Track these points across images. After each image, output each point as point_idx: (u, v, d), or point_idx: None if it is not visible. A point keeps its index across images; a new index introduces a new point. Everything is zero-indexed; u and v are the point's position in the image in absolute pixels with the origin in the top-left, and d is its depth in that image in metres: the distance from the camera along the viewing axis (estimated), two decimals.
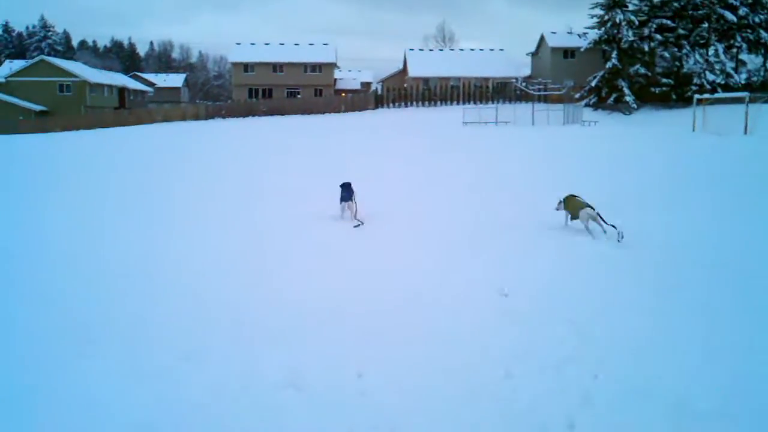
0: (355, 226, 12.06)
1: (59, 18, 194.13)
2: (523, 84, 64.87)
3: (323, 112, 61.56)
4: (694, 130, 36.16)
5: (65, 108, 71.11)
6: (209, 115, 63.48)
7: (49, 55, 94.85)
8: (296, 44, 79.42)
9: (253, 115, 61.86)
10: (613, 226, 10.59)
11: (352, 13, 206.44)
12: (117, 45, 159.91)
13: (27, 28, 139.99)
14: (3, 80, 74.46)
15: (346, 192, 12.84)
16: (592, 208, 11.01)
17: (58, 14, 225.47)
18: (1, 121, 64.39)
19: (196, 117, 63.51)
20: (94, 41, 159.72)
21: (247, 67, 76.00)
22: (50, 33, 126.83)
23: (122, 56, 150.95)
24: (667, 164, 20.44)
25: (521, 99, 60.86)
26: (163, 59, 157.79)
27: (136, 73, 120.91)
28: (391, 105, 63.29)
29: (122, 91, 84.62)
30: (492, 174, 19.38)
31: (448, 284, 8.03)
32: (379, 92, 68.32)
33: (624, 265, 8.89)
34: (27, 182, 20.70)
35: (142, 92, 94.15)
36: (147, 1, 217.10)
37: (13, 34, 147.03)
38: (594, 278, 8.27)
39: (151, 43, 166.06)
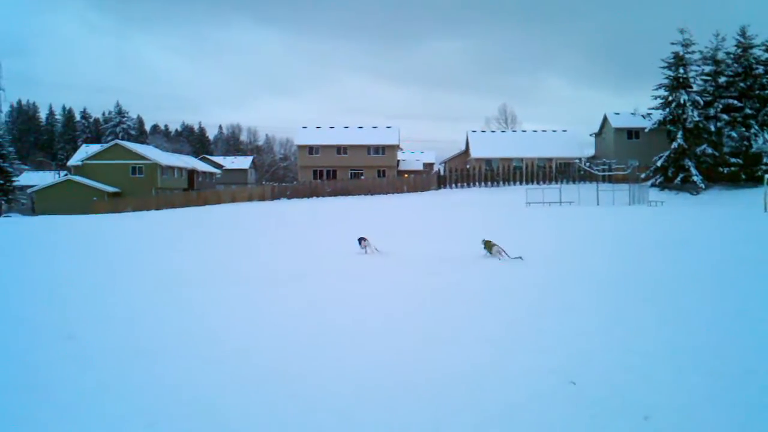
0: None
1: (133, 104, 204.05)
2: (587, 164, 64.52)
3: (386, 193, 62.18)
4: (766, 210, 35.18)
5: (138, 189, 73.57)
6: (275, 196, 64.71)
7: (123, 139, 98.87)
8: (360, 127, 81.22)
9: (318, 196, 62.85)
10: (520, 257, 16.39)
11: (415, 97, 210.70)
12: (187, 129, 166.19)
13: (103, 114, 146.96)
14: (80, 163, 77.73)
15: (361, 240, 19.92)
16: (497, 245, 17.23)
17: (133, 101, 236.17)
18: (77, 202, 67.09)
19: (263, 198, 64.80)
20: (165, 125, 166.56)
21: (312, 149, 77.78)
22: (125, 118, 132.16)
23: (192, 139, 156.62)
24: (738, 244, 19.78)
25: (585, 179, 60.40)
26: (232, 142, 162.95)
27: (206, 155, 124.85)
28: (453, 185, 63.56)
29: (191, 173, 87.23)
30: (554, 249, 19.00)
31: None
32: (442, 173, 68.83)
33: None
34: (100, 260, 21.18)
35: (211, 174, 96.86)
36: (216, 87, 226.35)
37: (91, 120, 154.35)
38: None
39: (220, 126, 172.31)
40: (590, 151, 76.88)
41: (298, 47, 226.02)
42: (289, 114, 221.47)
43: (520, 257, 16.53)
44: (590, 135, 78.43)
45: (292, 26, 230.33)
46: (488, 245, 17.80)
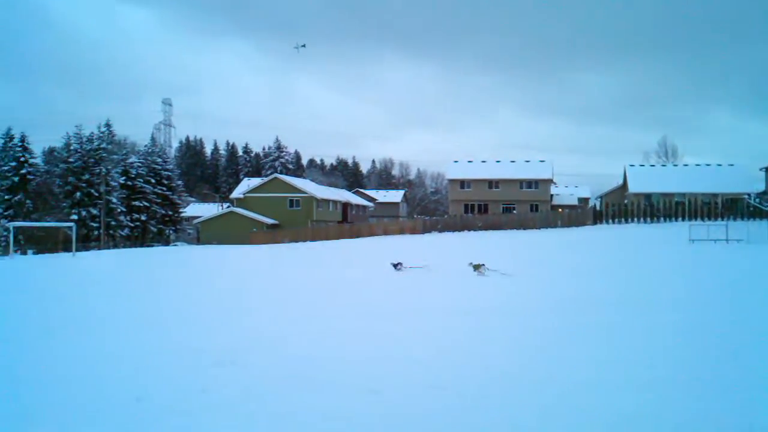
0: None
1: (291, 139, 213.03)
2: (757, 200, 60.35)
3: (539, 228, 60.80)
4: None
5: (294, 221, 76.13)
6: (426, 230, 64.93)
7: (281, 173, 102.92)
8: (512, 161, 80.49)
9: (469, 230, 62.40)
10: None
11: (567, 130, 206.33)
12: (342, 163, 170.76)
13: (263, 148, 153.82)
14: (241, 196, 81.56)
15: (397, 263, 26.79)
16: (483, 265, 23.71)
17: (290, 136, 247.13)
18: (238, 233, 70.33)
19: (414, 231, 65.19)
20: (321, 160, 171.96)
21: (463, 183, 77.75)
22: (283, 153, 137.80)
23: (346, 173, 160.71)
24: None
25: (755, 216, 56.50)
26: (384, 176, 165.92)
27: (359, 189, 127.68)
28: (610, 221, 61.27)
29: (345, 206, 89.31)
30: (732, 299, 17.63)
31: None
32: (598, 208, 66.60)
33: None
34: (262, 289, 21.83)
35: (364, 207, 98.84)
36: (370, 122, 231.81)
37: (252, 155, 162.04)
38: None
39: (373, 161, 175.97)
40: (760, 186, 71.94)
41: (449, 81, 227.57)
42: (439, 147, 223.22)
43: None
44: (760, 169, 73.44)
45: (443, 61, 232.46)
46: (476, 266, 24.06)
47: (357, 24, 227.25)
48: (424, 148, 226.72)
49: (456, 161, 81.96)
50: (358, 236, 65.78)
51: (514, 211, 72.61)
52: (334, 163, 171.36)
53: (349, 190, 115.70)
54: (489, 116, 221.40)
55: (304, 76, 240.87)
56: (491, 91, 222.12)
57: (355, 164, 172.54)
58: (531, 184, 76.38)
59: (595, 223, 61.47)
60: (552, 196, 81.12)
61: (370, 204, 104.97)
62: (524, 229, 60.91)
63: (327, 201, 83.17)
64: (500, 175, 77.17)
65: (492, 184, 77.04)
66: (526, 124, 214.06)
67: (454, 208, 78.06)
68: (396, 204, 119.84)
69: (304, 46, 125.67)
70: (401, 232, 65.97)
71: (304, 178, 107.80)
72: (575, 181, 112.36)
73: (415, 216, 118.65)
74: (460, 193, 77.89)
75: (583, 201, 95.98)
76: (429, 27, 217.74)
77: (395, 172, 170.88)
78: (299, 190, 79.62)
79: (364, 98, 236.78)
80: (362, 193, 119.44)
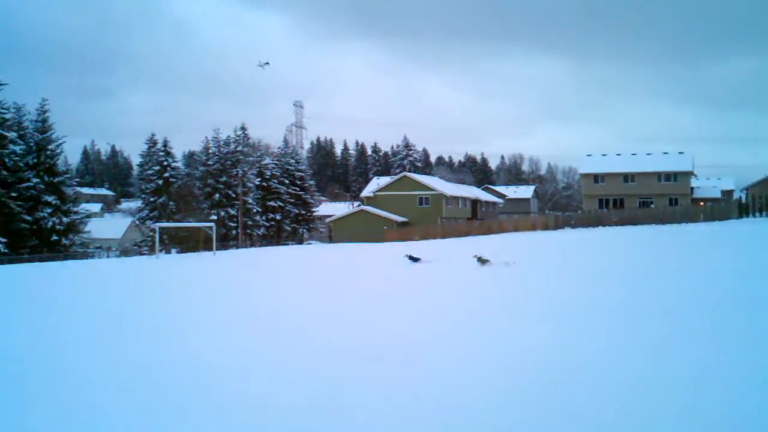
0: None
1: (419, 137, 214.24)
2: None
3: (678, 222, 58.04)
4: None
5: (424, 219, 76.30)
6: (558, 226, 63.45)
7: (409, 171, 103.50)
8: (648, 154, 77.58)
9: (603, 225, 60.43)
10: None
11: (707, 120, 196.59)
12: (470, 160, 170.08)
13: (391, 147, 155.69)
14: (371, 194, 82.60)
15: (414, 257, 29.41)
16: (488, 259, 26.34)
17: (418, 134, 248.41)
18: (369, 231, 71.26)
19: (546, 227, 63.86)
20: (449, 157, 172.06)
21: (597, 177, 75.46)
22: (411, 151, 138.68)
23: (475, 170, 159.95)
24: None
25: None
26: (513, 171, 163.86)
27: (488, 185, 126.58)
28: (757, 214, 57.68)
29: (475, 202, 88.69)
30: None
31: None
32: (743, 200, 62.84)
33: None
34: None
35: (493, 203, 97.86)
36: (498, 117, 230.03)
37: (380, 154, 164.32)
38: None
39: (502, 156, 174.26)
40: None
41: (579, 73, 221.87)
42: (570, 142, 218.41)
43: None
44: None
45: (574, 53, 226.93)
46: (482, 259, 26.35)
47: (485, 19, 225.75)
48: (555, 142, 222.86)
49: (589, 155, 79.86)
50: (488, 233, 65.08)
51: (652, 206, 69.69)
52: (462, 160, 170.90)
53: (478, 187, 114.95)
54: (623, 108, 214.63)
55: (431, 74, 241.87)
56: (625, 81, 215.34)
57: (484, 160, 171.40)
58: (669, 177, 73.03)
59: (740, 216, 58.01)
60: (692, 189, 77.37)
61: (500, 200, 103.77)
62: (663, 223, 58.33)
63: (456, 198, 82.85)
64: (636, 168, 74.27)
65: (627, 177, 74.26)
66: (663, 114, 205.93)
67: (587, 203, 75.91)
68: (526, 200, 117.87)
69: (267, 63, 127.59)
70: (533, 228, 64.76)
71: (433, 175, 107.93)
72: (718, 173, 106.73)
73: (546, 212, 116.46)
74: (594, 188, 75.62)
75: (727, 193, 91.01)
76: (560, 19, 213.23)
77: (525, 167, 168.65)
78: (428, 188, 79.70)
79: (492, 94, 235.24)
80: (491, 189, 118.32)
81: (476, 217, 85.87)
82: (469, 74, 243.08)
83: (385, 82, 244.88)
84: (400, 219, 76.70)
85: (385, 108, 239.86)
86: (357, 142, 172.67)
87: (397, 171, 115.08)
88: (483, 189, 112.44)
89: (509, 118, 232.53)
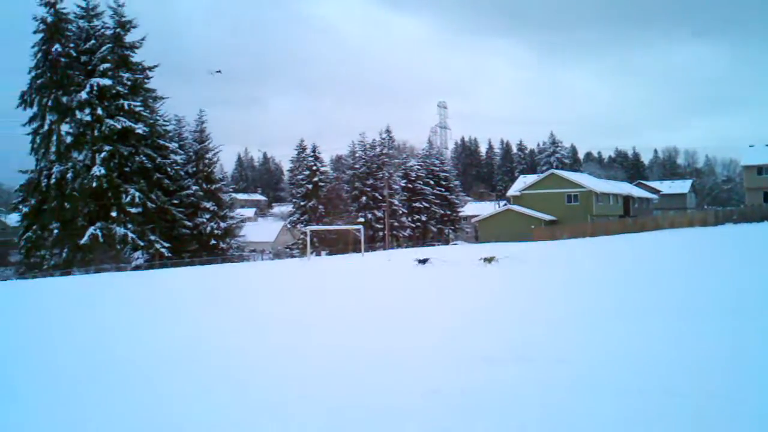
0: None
1: (566, 133, 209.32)
2: None
3: None
4: None
5: (573, 217, 74.22)
6: (719, 221, 60.10)
7: (557, 168, 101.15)
8: None
9: None
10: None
11: None
12: (621, 155, 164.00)
13: (538, 145, 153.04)
14: (518, 193, 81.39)
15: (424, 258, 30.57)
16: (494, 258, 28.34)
17: (565, 130, 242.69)
18: (516, 231, 70.12)
19: (704, 223, 60.67)
20: (599, 152, 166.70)
21: (761, 169, 70.72)
22: (558, 148, 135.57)
23: (626, 165, 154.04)
24: None
25: None
26: (668, 166, 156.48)
27: (641, 181, 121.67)
28: None
29: (627, 199, 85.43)
30: None
31: None
32: None
33: None
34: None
35: (647, 200, 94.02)
36: (650, 110, 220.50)
37: (526, 152, 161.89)
38: None
39: (655, 150, 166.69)
40: None
41: (741, 59, 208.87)
42: (731, 133, 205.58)
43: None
44: None
45: (732, 38, 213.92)
46: (489, 258, 27.78)
47: (631, 8, 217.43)
48: (713, 133, 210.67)
49: (752, 146, 75.06)
50: (641, 230, 62.53)
51: None
52: (613, 155, 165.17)
53: (630, 183, 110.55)
54: None
55: (577, 68, 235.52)
56: None
57: (636, 155, 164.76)
58: None
59: None
60: None
61: (654, 196, 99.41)
62: None
63: (607, 195, 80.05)
64: None
65: None
66: None
67: (751, 197, 71.21)
68: (682, 195, 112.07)
69: (219, 71, 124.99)
70: (690, 224, 61.68)
71: (581, 172, 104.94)
72: None
73: (705, 207, 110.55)
74: (758, 180, 70.81)
75: None
76: (716, 3, 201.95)
77: (680, 161, 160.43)
78: (577, 185, 77.49)
79: (643, 85, 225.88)
80: (644, 185, 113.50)
81: (628, 214, 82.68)
82: (617, 66, 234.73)
83: (530, 79, 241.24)
84: (547, 218, 75.04)
85: (530, 105, 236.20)
86: (502, 141, 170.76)
87: (544, 168, 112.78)
88: (635, 185, 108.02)
89: (662, 110, 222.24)
